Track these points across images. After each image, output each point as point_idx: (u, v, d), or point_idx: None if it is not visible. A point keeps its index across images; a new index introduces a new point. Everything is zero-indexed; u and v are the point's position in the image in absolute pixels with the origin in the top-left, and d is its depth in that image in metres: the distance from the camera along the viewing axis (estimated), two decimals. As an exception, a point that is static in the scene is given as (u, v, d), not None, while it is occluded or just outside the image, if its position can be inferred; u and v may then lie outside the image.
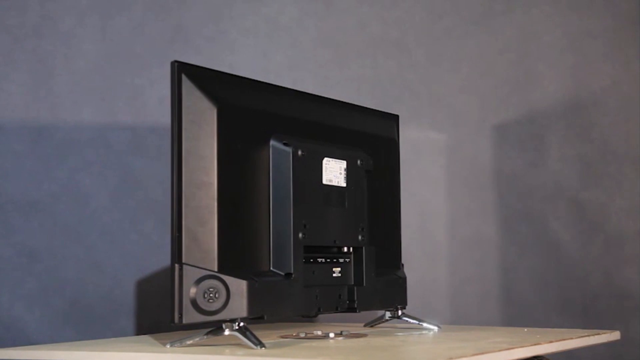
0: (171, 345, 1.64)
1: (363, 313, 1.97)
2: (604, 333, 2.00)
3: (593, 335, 1.94)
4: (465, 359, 1.42)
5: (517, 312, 2.70)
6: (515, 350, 1.62)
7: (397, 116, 2.25)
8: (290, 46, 2.79)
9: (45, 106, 2.68)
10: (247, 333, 1.62)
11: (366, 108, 2.14)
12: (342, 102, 2.06)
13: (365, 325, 2.16)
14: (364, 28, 2.81)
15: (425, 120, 2.79)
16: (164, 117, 2.69)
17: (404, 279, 2.10)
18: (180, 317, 1.53)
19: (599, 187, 2.70)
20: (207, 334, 1.64)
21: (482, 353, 1.47)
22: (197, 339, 1.65)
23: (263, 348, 1.60)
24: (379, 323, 2.14)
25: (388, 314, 2.10)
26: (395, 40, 2.80)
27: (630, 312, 2.65)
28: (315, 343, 1.77)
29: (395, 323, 2.15)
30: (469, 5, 2.80)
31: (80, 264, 2.65)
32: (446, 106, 2.78)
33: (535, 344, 1.73)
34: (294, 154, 1.78)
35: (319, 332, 1.94)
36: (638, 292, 2.65)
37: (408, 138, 2.77)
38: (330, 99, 2.03)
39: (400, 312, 2.09)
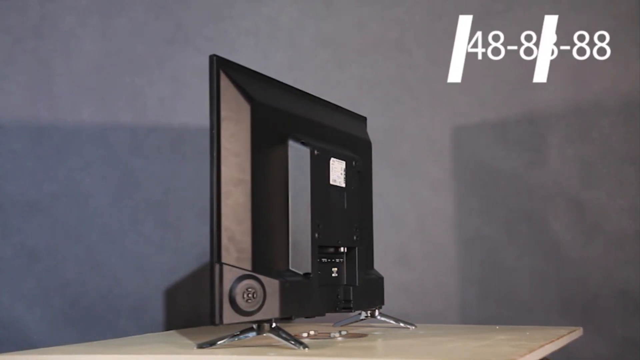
0: (199, 347, 1.63)
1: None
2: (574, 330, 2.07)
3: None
4: (528, 356, 1.43)
5: (517, 312, 2.71)
6: (548, 345, 1.64)
7: (365, 118, 2.25)
8: (290, 46, 2.79)
9: (45, 106, 2.67)
10: (281, 333, 1.61)
11: (338, 107, 2.13)
12: (320, 98, 2.04)
13: (334, 325, 2.14)
14: (364, 28, 2.81)
15: (425, 120, 2.79)
16: (164, 117, 2.73)
17: (382, 279, 2.12)
18: (221, 318, 1.51)
19: (599, 187, 2.71)
20: (240, 332, 1.63)
21: (532, 351, 1.48)
22: (226, 340, 1.63)
23: (306, 349, 1.58)
24: (352, 322, 2.15)
25: (364, 314, 2.11)
26: (395, 40, 2.80)
27: (630, 312, 2.66)
28: (341, 343, 1.76)
29: (368, 322, 2.16)
30: (469, 5, 2.80)
31: (80, 264, 2.65)
32: (446, 106, 2.78)
33: (550, 342, 1.75)
34: (312, 153, 1.77)
35: (315, 332, 1.95)
36: (638, 292, 2.66)
37: (408, 138, 2.78)
38: (313, 95, 2.01)
39: (377, 312, 2.11)
